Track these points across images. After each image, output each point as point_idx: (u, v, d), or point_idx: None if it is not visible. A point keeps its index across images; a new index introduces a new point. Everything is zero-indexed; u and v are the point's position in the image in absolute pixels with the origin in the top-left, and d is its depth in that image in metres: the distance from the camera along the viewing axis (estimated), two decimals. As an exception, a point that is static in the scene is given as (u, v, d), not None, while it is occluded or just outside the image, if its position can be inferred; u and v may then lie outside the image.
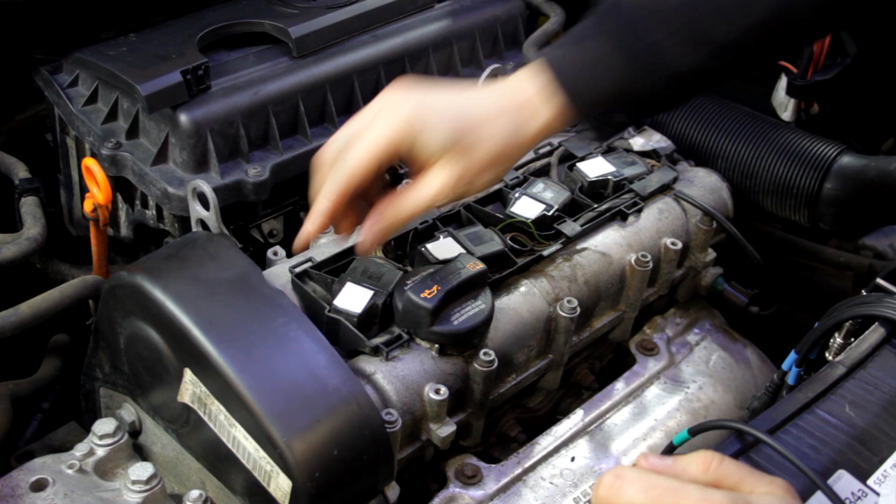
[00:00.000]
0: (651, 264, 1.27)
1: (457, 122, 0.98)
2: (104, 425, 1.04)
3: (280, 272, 1.13)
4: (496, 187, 1.30)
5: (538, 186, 1.29)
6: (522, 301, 1.18)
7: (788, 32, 1.03)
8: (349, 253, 1.15)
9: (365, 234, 1.03)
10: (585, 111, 1.03)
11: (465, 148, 0.98)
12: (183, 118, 1.24)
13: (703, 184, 1.45)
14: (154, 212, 1.31)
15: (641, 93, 1.02)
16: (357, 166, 0.98)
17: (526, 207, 1.26)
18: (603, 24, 1.02)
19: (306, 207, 1.33)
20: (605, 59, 1.00)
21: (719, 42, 0.99)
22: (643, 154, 1.42)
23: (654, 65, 1.00)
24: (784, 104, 1.61)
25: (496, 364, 1.08)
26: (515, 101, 1.01)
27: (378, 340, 1.06)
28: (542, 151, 1.41)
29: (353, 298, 1.07)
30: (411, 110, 0.97)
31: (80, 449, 1.03)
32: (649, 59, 0.99)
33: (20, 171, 1.37)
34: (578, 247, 1.26)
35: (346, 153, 0.99)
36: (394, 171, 1.09)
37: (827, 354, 1.14)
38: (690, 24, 0.98)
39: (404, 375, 1.05)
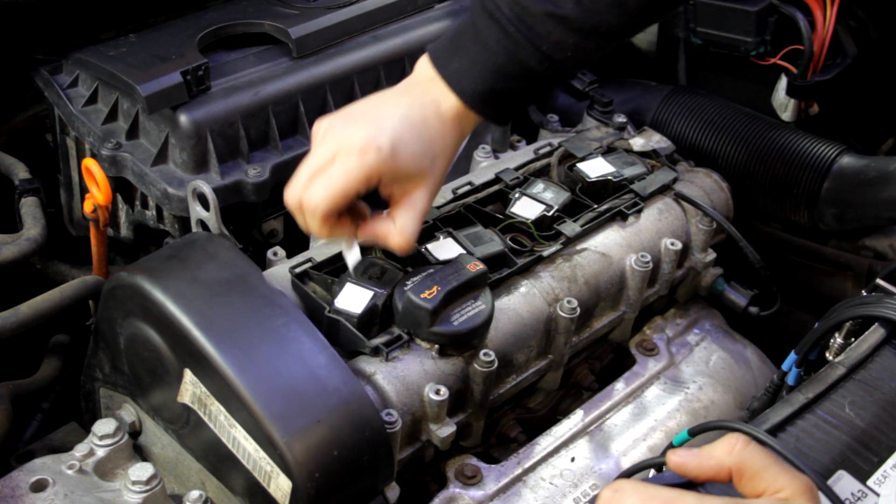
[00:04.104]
0: (651, 265, 1.27)
1: (422, 145, 1.05)
2: (104, 426, 1.04)
3: (280, 272, 1.13)
4: (496, 187, 1.30)
5: (538, 187, 1.29)
6: (522, 301, 1.18)
7: None
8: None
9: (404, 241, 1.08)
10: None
11: (432, 163, 1.07)
12: (183, 119, 1.24)
13: (703, 184, 1.45)
14: (154, 212, 1.31)
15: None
16: (339, 190, 1.02)
17: (526, 208, 1.26)
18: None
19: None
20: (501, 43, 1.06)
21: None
22: (643, 154, 1.42)
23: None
24: (784, 104, 1.61)
25: (496, 364, 1.08)
26: (450, 108, 1.08)
27: (378, 341, 1.06)
28: (542, 152, 1.41)
29: (353, 299, 1.07)
30: (383, 147, 1.02)
31: (80, 449, 1.03)
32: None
33: (20, 172, 1.37)
34: (578, 247, 1.26)
35: (320, 181, 1.02)
36: (376, 197, 1.10)
37: (827, 355, 1.13)
38: None
39: (404, 376, 1.05)
